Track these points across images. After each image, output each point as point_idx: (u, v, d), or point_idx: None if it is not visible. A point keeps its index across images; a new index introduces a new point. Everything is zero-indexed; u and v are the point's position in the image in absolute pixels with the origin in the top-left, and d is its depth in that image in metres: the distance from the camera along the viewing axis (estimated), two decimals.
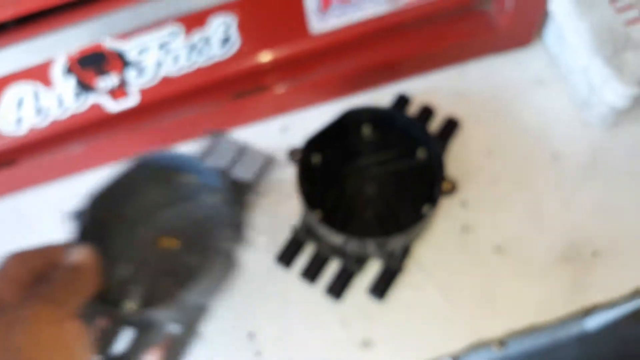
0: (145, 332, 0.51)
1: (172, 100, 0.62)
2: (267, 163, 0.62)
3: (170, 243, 0.57)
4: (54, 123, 0.61)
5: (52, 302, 0.41)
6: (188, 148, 0.65)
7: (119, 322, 0.51)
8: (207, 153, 0.61)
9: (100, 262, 0.46)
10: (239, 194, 0.57)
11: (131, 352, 0.50)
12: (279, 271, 0.59)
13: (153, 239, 0.57)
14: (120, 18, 0.54)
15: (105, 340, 0.50)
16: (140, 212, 0.57)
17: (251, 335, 0.57)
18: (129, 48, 0.56)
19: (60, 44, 0.54)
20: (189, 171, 0.58)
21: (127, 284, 0.54)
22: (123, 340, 0.51)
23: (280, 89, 0.64)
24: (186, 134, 0.65)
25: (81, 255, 0.45)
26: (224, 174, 0.56)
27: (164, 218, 0.58)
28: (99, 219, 0.53)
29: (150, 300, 0.51)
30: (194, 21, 0.56)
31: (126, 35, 0.55)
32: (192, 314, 0.53)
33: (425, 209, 0.56)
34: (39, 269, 0.42)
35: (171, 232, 0.57)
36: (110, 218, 0.55)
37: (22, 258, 0.42)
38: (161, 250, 0.57)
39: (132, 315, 0.51)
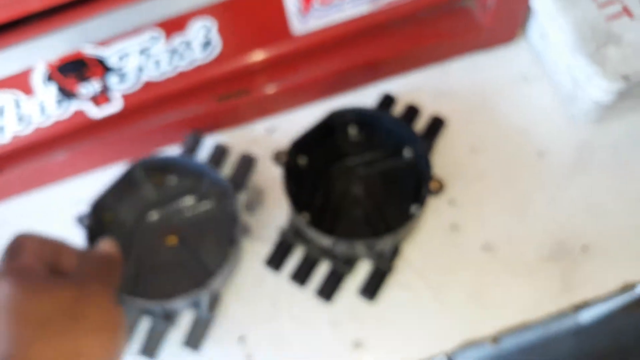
0: (165, 320, 0.56)
1: (155, 104, 0.62)
2: (248, 162, 0.63)
3: (171, 240, 0.60)
4: (38, 130, 0.60)
5: (103, 282, 0.42)
6: (176, 150, 0.65)
7: (140, 313, 0.57)
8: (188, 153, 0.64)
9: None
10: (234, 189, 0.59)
11: (153, 339, 0.56)
12: (269, 274, 0.59)
13: (155, 237, 0.61)
14: (99, 25, 0.53)
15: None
16: (138, 213, 0.61)
17: (242, 339, 0.57)
18: (110, 54, 0.56)
19: (39, 51, 0.53)
20: (181, 171, 0.61)
21: (134, 280, 0.58)
22: (142, 329, 0.57)
23: (264, 91, 0.63)
24: (171, 138, 0.65)
25: (108, 245, 0.47)
26: (219, 171, 0.59)
27: (162, 217, 0.62)
28: (101, 221, 0.58)
29: (158, 292, 0.54)
30: (173, 26, 0.56)
31: (106, 41, 0.55)
32: (210, 299, 0.57)
33: (413, 208, 0.56)
34: (49, 258, 0.43)
35: (170, 229, 0.61)
36: (112, 219, 0.59)
37: (39, 241, 0.43)
38: (162, 247, 0.60)
39: (155, 305, 0.54)
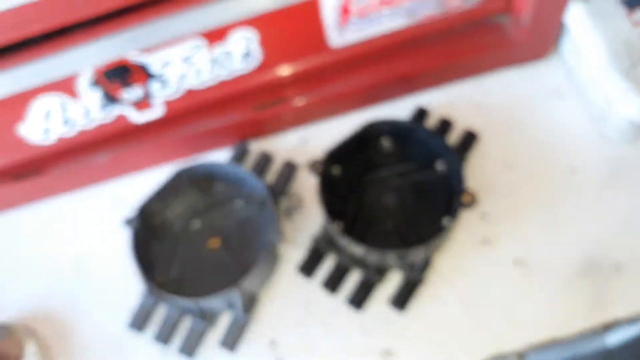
0: (204, 321, 0.58)
1: (195, 112, 0.64)
2: (290, 169, 0.65)
3: (213, 243, 0.62)
4: (81, 133, 0.63)
5: None
6: (218, 156, 0.67)
7: (181, 312, 0.59)
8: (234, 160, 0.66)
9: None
10: (273, 196, 0.61)
11: (192, 338, 0.58)
12: (301, 280, 0.60)
13: (198, 240, 0.63)
14: (145, 32, 0.55)
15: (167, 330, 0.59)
16: (184, 216, 0.63)
17: (273, 342, 0.58)
18: (153, 61, 0.58)
19: (87, 57, 0.56)
20: (224, 178, 0.63)
21: (178, 281, 0.60)
22: (184, 328, 0.59)
23: (300, 101, 0.65)
24: (210, 144, 0.67)
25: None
26: (259, 179, 0.61)
27: (205, 221, 0.64)
28: (148, 224, 0.60)
29: (200, 294, 0.56)
30: (216, 36, 0.57)
31: (150, 49, 0.57)
32: (246, 300, 0.58)
33: (445, 221, 0.57)
34: None
35: (213, 233, 0.63)
36: (158, 223, 0.62)
37: None
38: (205, 250, 0.62)
39: (192, 303, 0.57)
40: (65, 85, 0.58)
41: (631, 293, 0.56)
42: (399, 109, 0.66)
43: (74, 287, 0.64)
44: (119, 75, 0.58)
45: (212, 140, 0.66)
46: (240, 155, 0.66)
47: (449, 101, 0.67)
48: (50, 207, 0.68)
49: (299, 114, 0.66)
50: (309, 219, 0.63)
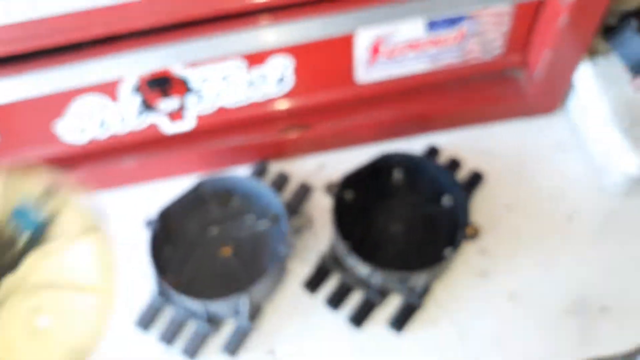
0: (209, 325, 0.61)
1: (223, 128, 0.68)
2: (305, 191, 0.69)
3: (226, 251, 0.66)
4: (112, 137, 0.67)
5: None
6: (237, 173, 0.71)
7: (187, 315, 0.61)
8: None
9: None
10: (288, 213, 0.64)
11: (195, 341, 0.61)
12: (305, 295, 0.63)
13: (211, 247, 0.66)
14: (191, 48, 0.59)
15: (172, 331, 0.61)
16: (201, 224, 0.67)
17: (271, 352, 0.61)
18: (194, 76, 0.62)
19: (134, 64, 0.59)
20: (242, 192, 0.67)
21: (189, 284, 0.64)
22: (189, 331, 0.62)
23: (322, 129, 0.69)
24: (233, 160, 0.71)
25: None
26: (277, 195, 0.64)
27: (220, 230, 0.67)
28: (167, 228, 0.64)
29: (209, 298, 0.59)
30: (256, 59, 0.62)
31: (194, 64, 0.61)
32: (252, 309, 0.61)
33: (447, 251, 0.61)
34: None
35: (226, 242, 0.67)
36: (176, 228, 0.66)
37: None
38: (218, 257, 0.66)
39: (200, 305, 0.60)
40: (109, 89, 0.62)
41: (615, 334, 0.59)
42: (412, 146, 0.71)
43: None
44: (161, 85, 0.62)
45: (235, 157, 0.71)
46: (259, 174, 0.70)
47: (459, 143, 0.71)
48: None
49: (319, 140, 0.71)
50: (317, 238, 0.66)
